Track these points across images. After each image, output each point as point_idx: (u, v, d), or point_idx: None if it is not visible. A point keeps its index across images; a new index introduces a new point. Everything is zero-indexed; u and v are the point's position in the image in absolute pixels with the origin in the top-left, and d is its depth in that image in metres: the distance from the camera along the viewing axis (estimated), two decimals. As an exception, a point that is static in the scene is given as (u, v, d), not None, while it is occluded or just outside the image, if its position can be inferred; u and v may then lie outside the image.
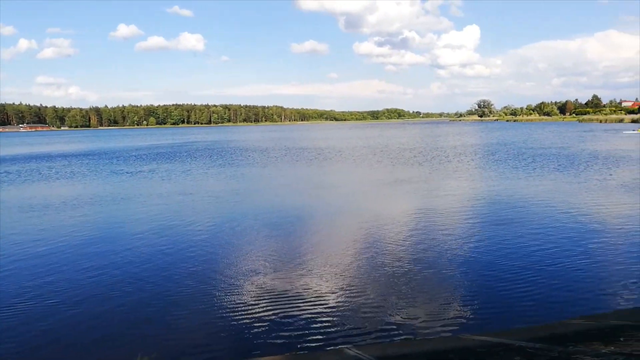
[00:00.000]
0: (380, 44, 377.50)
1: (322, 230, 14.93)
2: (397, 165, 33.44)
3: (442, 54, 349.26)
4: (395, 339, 7.21)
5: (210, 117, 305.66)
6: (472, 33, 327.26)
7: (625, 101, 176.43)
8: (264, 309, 8.47)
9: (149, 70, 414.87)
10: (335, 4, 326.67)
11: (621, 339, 5.50)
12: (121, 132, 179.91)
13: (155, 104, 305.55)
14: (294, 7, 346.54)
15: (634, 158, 34.39)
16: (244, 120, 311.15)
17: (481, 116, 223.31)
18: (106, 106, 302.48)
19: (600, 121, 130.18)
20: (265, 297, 9.00)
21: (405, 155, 41.91)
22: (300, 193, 22.63)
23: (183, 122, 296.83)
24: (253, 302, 8.78)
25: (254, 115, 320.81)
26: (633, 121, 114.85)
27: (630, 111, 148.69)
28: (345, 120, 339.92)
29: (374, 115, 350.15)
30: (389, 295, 9.00)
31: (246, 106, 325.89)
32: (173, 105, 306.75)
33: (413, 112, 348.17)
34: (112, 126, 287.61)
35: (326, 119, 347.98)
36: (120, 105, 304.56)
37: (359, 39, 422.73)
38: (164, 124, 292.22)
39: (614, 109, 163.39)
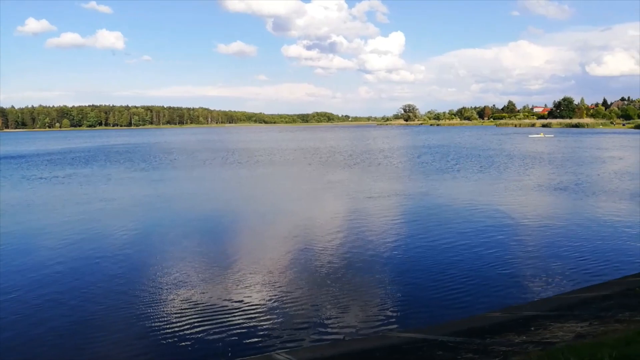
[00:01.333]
0: (309, 48, 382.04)
1: (252, 235, 14.73)
2: (329, 168, 33.86)
3: (369, 59, 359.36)
4: (326, 341, 7.23)
5: (131, 119, 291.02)
6: (397, 39, 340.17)
7: (536, 107, 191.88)
8: (191, 320, 8.14)
9: (62, 69, 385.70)
10: (263, 5, 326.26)
11: (532, 329, 5.89)
12: (30, 135, 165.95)
13: (70, 105, 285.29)
14: (220, 8, 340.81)
15: (541, 159, 37.55)
16: (168, 122, 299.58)
17: (407, 120, 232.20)
18: (13, 107, 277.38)
19: (515, 125, 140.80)
20: (193, 308, 8.67)
21: (337, 158, 42.55)
22: (231, 197, 22.19)
23: (101, 124, 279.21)
24: (179, 314, 8.41)
25: (179, 117, 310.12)
26: (543, 125, 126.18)
27: (540, 116, 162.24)
28: (274, 123, 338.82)
29: (304, 118, 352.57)
30: (319, 298, 9.03)
31: (170, 108, 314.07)
32: (89, 106, 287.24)
33: (342, 115, 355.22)
34: (19, 129, 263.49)
35: (255, 121, 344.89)
36: (30, 106, 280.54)
37: (287, 42, 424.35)
38: (79, 126, 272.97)
39: (527, 114, 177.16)
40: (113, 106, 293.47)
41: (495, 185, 23.81)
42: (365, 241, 13.23)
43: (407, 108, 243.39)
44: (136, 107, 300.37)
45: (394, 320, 8.00)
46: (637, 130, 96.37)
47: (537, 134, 79.24)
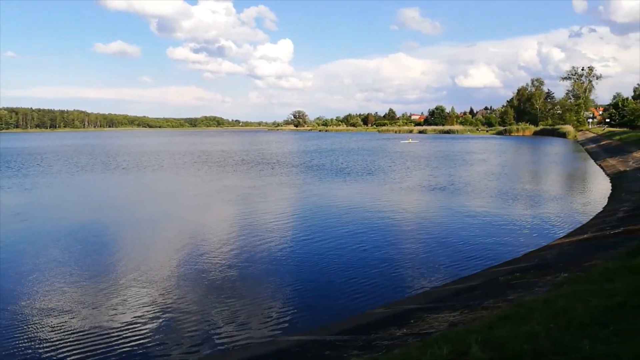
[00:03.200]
0: (196, 51, 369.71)
1: (138, 245, 13.76)
2: (220, 173, 32.96)
3: (258, 65, 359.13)
4: (214, 353, 6.99)
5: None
6: (286, 47, 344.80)
7: (414, 114, 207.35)
8: (67, 347, 7.35)
9: None
10: (146, 5, 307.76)
11: (412, 321, 6.27)
12: None
13: None
14: (98, 5, 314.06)
15: (419, 162, 40.64)
16: (37, 126, 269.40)
17: (297, 126, 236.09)
18: None
19: (396, 131, 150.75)
20: (69, 333, 7.83)
21: (228, 163, 41.58)
22: (109, 206, 20.52)
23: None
24: (52, 342, 7.54)
25: (50, 120, 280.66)
26: (420, 132, 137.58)
27: (417, 123, 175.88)
28: (160, 127, 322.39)
29: (192, 122, 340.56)
30: (206, 309, 8.72)
31: (40, 110, 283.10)
32: None
33: (232, 120, 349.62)
34: None
35: (138, 125, 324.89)
36: None
37: (173, 44, 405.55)
38: None
39: (405, 121, 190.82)
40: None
41: (380, 187, 25.18)
42: (253, 247, 13.11)
43: (297, 114, 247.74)
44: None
45: (284, 325, 8.00)
46: (498, 136, 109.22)
47: (407, 140, 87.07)
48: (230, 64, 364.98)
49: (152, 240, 14.46)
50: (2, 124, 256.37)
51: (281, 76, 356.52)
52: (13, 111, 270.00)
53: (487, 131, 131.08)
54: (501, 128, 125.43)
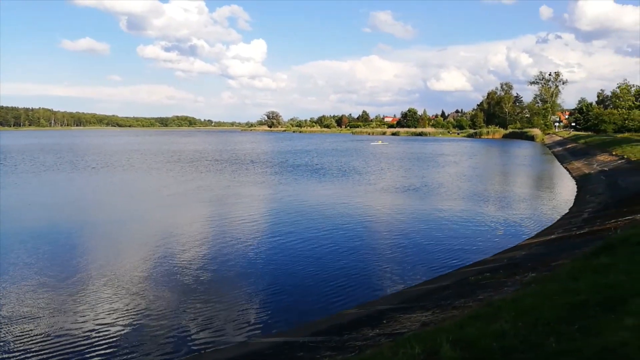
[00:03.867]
0: (167, 49, 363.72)
1: (108, 247, 13.44)
2: (193, 173, 32.49)
3: (231, 65, 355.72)
4: (188, 354, 6.89)
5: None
6: (259, 47, 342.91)
7: (387, 117, 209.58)
8: (40, 351, 7.12)
9: None
10: (116, 2, 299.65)
11: (384, 322, 6.33)
12: None
13: None
14: (66, 1, 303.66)
15: (392, 163, 41.09)
16: (0, 124, 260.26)
17: (270, 126, 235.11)
18: None
19: (369, 133, 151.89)
20: (40, 335, 7.59)
21: (202, 163, 41.03)
22: (83, 206, 19.96)
23: None
24: (23, 347, 7.29)
25: (14, 118, 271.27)
26: (393, 134, 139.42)
27: (390, 125, 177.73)
28: (130, 126, 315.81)
29: (163, 122, 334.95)
30: (182, 311, 8.60)
31: (3, 107, 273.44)
32: None
33: (205, 120, 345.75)
34: None
35: (107, 124, 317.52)
36: None
37: (143, 42, 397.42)
38: None
39: (379, 123, 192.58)
40: None
41: (354, 187, 25.32)
42: (226, 249, 12.99)
43: (270, 115, 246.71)
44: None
45: (257, 327, 7.95)
46: (469, 139, 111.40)
47: (377, 142, 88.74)
48: (202, 63, 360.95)
49: (123, 242, 14.14)
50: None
51: (254, 76, 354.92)
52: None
53: (458, 134, 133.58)
54: (472, 131, 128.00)
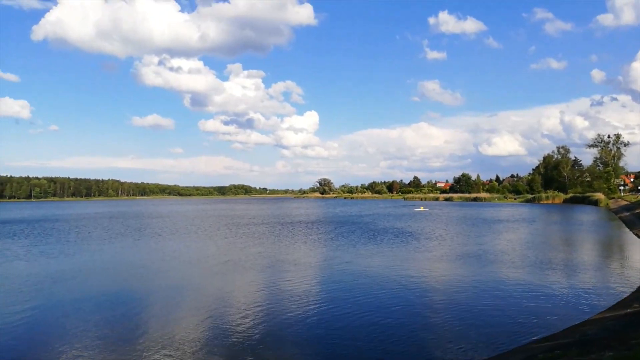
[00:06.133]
0: (226, 123, 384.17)
1: (167, 308, 14.18)
2: (253, 238, 33.41)
3: (285, 135, 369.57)
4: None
5: (31, 190, 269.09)
6: (312, 118, 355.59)
7: (439, 182, 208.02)
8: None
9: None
10: (181, 82, 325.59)
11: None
12: None
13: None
14: (137, 82, 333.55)
15: (445, 230, 40.40)
16: (73, 194, 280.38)
17: (322, 193, 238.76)
18: None
19: (421, 199, 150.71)
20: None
21: (260, 229, 42.09)
22: (149, 272, 21.15)
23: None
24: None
25: (86, 189, 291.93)
26: (446, 199, 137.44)
27: (443, 190, 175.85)
28: (190, 195, 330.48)
29: (221, 190, 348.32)
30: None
31: (76, 179, 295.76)
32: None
33: (260, 188, 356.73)
34: None
35: (169, 193, 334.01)
36: None
37: (205, 117, 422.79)
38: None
39: (431, 188, 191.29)
40: (11, 177, 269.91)
41: (411, 253, 25.13)
42: (282, 314, 13.40)
43: (322, 182, 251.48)
44: (38, 179, 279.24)
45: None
46: (526, 204, 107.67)
47: (419, 208, 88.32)
48: (258, 134, 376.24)
49: (181, 305, 14.82)
50: (41, 193, 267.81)
51: (307, 146, 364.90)
52: (52, 180, 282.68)
53: (515, 199, 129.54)
54: (530, 196, 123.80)
